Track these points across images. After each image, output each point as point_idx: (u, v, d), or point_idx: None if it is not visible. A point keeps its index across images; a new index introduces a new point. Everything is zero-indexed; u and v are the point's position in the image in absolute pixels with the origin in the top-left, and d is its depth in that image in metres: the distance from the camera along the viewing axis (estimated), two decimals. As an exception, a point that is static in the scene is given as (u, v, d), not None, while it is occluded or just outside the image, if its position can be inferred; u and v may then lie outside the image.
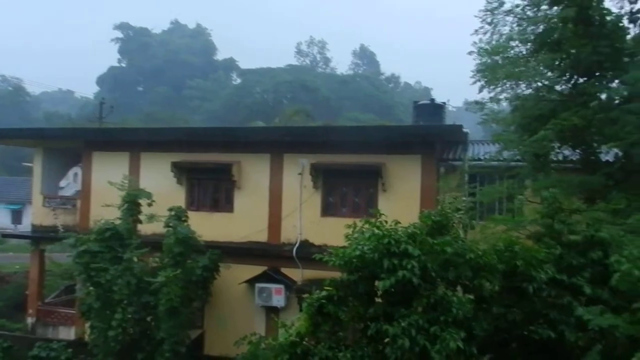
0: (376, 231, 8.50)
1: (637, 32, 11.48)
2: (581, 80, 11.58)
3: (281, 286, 15.01)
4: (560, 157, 12.36)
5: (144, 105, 72.22)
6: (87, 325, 14.58)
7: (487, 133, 21.08)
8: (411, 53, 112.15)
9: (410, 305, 8.05)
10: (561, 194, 9.56)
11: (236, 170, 16.06)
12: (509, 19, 12.18)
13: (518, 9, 12.09)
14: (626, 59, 11.13)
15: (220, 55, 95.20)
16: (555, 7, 11.67)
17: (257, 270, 15.35)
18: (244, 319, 15.09)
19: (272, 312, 14.89)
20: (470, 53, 12.51)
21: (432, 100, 21.06)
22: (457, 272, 8.45)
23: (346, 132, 16.99)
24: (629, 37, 11.55)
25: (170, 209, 14.25)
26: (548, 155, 11.11)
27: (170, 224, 13.89)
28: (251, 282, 15.36)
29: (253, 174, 16.10)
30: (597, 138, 10.96)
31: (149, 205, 14.47)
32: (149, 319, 14.02)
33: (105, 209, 14.56)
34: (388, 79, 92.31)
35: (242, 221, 15.90)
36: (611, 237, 8.65)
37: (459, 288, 8.74)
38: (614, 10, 11.48)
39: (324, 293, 8.46)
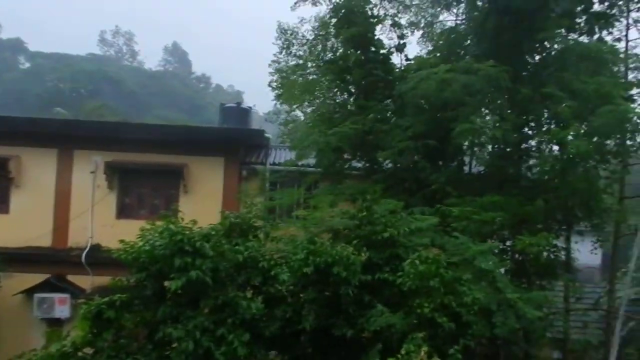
0: (170, 226, 8.22)
1: (404, 59, 13.62)
2: (361, 97, 13.00)
3: (66, 295, 13.66)
4: (352, 167, 13.43)
5: None
6: None
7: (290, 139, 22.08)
8: (226, 55, 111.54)
9: (197, 307, 7.96)
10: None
11: (14, 166, 14.26)
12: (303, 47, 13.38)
13: (309, 40, 13.35)
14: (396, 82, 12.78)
15: (4, 34, 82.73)
16: (339, 38, 13.17)
17: (39, 278, 13.76)
18: (17, 335, 13.14)
19: (55, 324, 13.48)
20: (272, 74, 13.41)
21: (239, 103, 21.35)
22: (248, 276, 8.62)
23: (146, 130, 16.18)
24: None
25: None
26: (337, 163, 12.16)
27: None
28: (30, 292, 13.69)
29: (35, 171, 14.50)
30: (377, 149, 12.29)
31: None
32: None
33: None
34: (199, 79, 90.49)
35: (20, 224, 14.15)
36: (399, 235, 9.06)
37: (249, 289, 8.87)
38: (387, 40, 13.52)
39: (106, 299, 7.89)
